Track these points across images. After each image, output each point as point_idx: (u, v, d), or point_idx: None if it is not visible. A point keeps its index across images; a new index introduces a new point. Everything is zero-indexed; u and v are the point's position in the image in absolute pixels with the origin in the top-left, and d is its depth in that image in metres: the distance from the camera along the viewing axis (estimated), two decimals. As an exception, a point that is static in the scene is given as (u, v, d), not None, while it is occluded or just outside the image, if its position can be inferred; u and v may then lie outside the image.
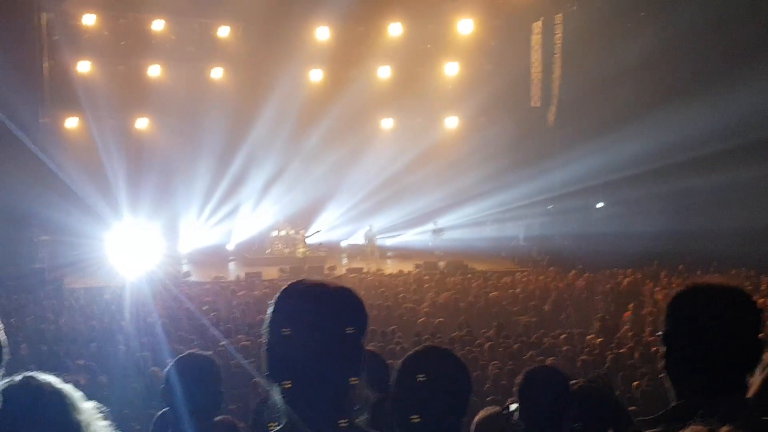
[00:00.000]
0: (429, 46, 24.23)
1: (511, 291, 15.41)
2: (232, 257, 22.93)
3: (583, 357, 9.09)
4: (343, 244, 24.11)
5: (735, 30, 18.49)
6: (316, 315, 1.65)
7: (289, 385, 1.62)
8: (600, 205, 24.20)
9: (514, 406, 2.78)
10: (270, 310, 1.69)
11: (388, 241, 23.90)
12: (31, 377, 1.54)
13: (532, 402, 2.73)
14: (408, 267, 19.78)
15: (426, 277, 17.52)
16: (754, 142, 17.82)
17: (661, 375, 1.91)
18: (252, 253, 22.82)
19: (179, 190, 22.53)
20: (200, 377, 2.92)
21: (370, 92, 23.27)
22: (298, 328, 1.64)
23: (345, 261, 22.41)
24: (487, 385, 7.90)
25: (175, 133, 22.70)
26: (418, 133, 24.00)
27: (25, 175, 17.75)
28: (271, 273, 18.94)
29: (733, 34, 18.42)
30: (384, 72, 23.90)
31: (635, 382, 7.79)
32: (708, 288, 1.82)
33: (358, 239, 23.29)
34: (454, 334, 10.93)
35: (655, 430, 1.78)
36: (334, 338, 1.64)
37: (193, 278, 18.69)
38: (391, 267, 20.54)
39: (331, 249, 23.29)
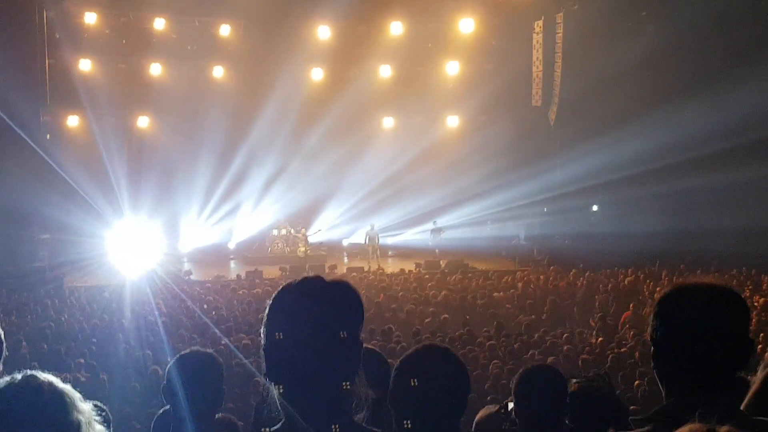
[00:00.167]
0: (430, 45, 24.22)
1: (512, 291, 15.43)
2: (232, 256, 22.96)
3: (584, 356, 9.10)
4: (344, 243, 24.13)
5: (735, 30, 18.48)
6: (313, 308, 1.64)
7: (283, 389, 1.62)
8: (595, 208, 24.21)
9: (512, 405, 2.78)
10: (267, 308, 1.69)
11: (389, 240, 23.89)
12: (32, 376, 1.54)
13: (529, 400, 2.73)
14: (409, 266, 19.79)
15: (427, 276, 17.55)
16: (754, 142, 17.84)
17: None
18: (253, 251, 22.84)
19: (180, 189, 22.54)
20: (202, 375, 2.85)
21: (370, 91, 23.25)
22: (295, 324, 1.64)
23: (346, 260, 22.42)
24: (488, 385, 7.92)
25: (176, 131, 22.70)
26: (418, 132, 23.99)
27: (25, 174, 17.77)
28: (271, 272, 18.96)
29: (733, 34, 18.41)
30: (385, 71, 23.88)
31: (635, 382, 7.81)
32: (695, 288, 1.83)
33: (359, 238, 23.29)
34: (456, 333, 10.94)
35: (644, 429, 1.78)
36: (331, 332, 1.63)
37: (194, 277, 18.70)
38: (392, 266, 20.56)
39: (332, 248, 23.31)
